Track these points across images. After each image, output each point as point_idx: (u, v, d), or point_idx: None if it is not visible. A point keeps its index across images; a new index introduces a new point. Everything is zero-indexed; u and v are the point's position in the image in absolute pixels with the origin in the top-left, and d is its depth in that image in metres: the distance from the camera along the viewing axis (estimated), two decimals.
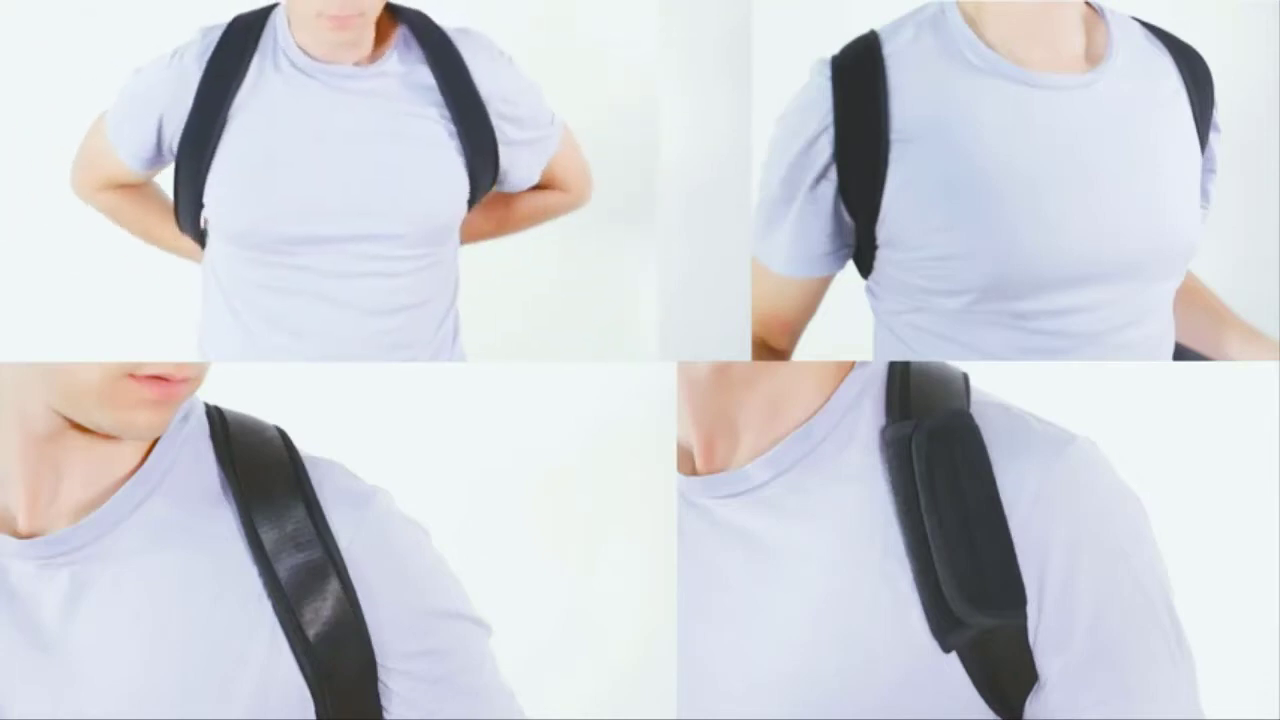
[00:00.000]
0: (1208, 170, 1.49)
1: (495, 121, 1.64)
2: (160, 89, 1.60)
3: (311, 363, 1.64)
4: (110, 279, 1.97)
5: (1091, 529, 1.08)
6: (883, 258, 1.44)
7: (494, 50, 1.65)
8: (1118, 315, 1.41)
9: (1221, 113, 1.49)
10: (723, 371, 1.13)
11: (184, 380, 1.09)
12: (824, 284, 1.50)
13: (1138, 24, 1.48)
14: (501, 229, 1.80)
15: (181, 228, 1.67)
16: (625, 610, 2.00)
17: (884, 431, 1.12)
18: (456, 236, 1.69)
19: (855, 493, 1.11)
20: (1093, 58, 1.43)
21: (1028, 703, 1.09)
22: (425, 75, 1.61)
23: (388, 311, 1.63)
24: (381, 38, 1.61)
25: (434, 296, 1.67)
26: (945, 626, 1.07)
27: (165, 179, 1.67)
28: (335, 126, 1.59)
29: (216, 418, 1.16)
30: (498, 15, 1.70)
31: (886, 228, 1.41)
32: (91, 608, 1.09)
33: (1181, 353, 1.53)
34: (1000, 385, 1.17)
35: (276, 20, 1.60)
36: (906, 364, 1.15)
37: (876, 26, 1.44)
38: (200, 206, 1.61)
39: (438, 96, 1.61)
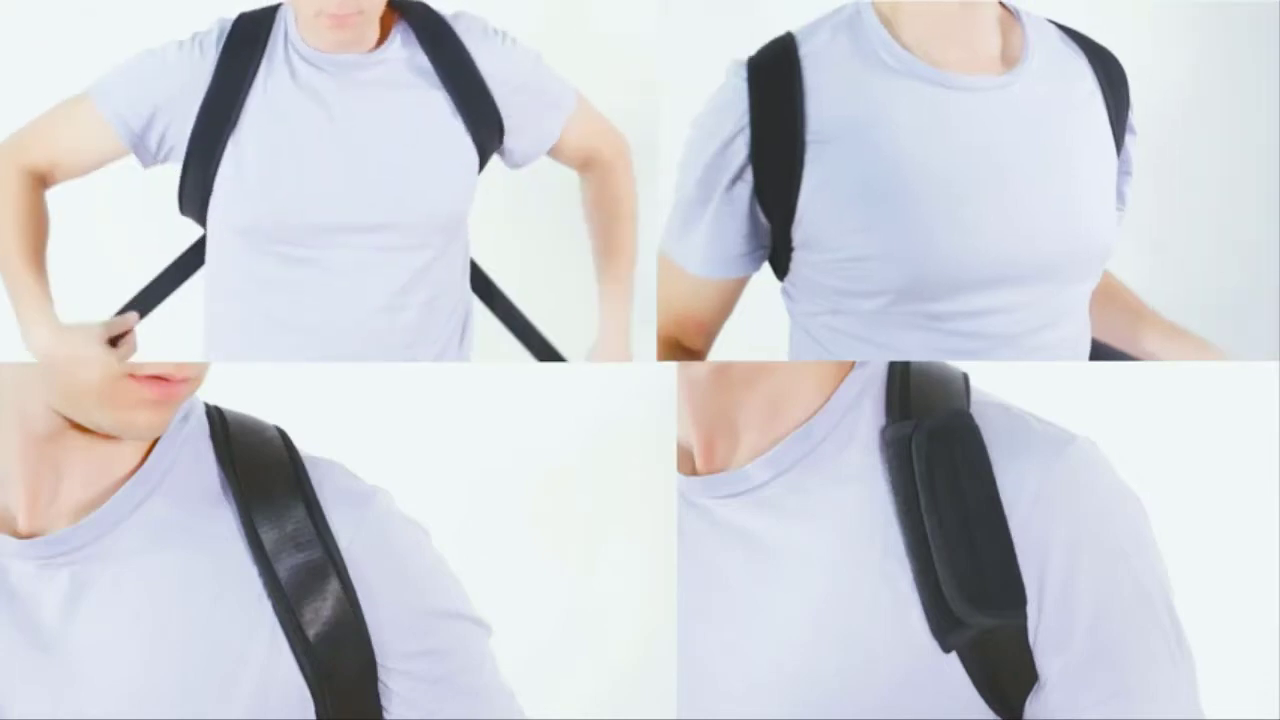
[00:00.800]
0: (1123, 172, 1.49)
1: (500, 98, 1.65)
2: (174, 73, 1.59)
3: (312, 362, 1.64)
4: (110, 278, 1.96)
5: (1091, 529, 1.08)
6: (799, 259, 1.43)
7: (489, 29, 1.67)
8: (1033, 317, 1.40)
9: (1137, 115, 1.49)
10: (723, 372, 1.13)
11: (184, 380, 1.09)
12: (740, 285, 1.49)
13: (1054, 26, 1.47)
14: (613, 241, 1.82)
15: (184, 214, 1.66)
16: (625, 610, 2.00)
17: (884, 431, 1.12)
18: (466, 228, 1.70)
19: (855, 493, 1.11)
20: (1009, 59, 1.42)
21: (1028, 703, 1.09)
22: (426, 59, 1.62)
23: (395, 307, 1.63)
24: (383, 28, 1.63)
25: (442, 292, 1.67)
26: (945, 626, 1.06)
27: (161, 187, 1.66)
28: (343, 117, 1.60)
29: (216, 418, 1.16)
30: (497, 15, 1.70)
31: (802, 229, 1.40)
32: (91, 608, 1.09)
33: (1101, 350, 1.53)
34: (1000, 385, 1.17)
35: (286, 16, 1.62)
36: (906, 364, 1.15)
37: (793, 28, 1.43)
38: (206, 204, 1.61)
39: (440, 79, 1.62)
